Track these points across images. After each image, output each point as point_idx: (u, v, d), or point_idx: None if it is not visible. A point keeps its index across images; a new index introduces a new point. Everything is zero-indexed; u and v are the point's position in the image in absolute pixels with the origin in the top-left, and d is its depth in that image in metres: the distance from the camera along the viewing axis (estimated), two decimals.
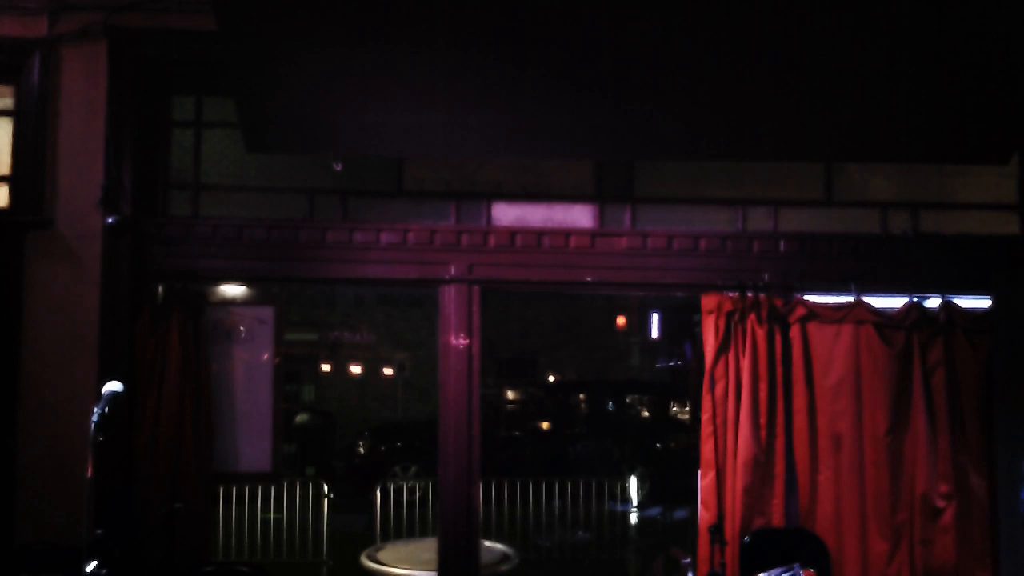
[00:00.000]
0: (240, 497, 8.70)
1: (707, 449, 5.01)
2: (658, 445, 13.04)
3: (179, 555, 4.75)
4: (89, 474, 3.47)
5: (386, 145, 4.83)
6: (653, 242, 5.24)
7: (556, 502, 10.15)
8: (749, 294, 5.05)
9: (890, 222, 5.45)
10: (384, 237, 5.17)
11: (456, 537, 5.06)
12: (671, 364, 19.61)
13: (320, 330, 20.19)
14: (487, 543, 6.24)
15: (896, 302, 5.18)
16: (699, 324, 5.21)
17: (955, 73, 4.38)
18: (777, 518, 4.95)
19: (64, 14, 4.94)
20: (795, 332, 5.08)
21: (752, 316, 5.03)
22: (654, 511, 10.72)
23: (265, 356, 5.29)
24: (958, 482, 5.00)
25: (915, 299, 5.16)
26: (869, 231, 5.41)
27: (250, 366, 5.26)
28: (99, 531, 3.75)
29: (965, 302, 5.16)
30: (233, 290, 5.43)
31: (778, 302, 5.10)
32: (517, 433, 15.09)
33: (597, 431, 14.14)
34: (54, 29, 4.94)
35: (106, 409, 3.46)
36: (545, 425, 13.53)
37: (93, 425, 3.40)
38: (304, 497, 9.16)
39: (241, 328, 5.25)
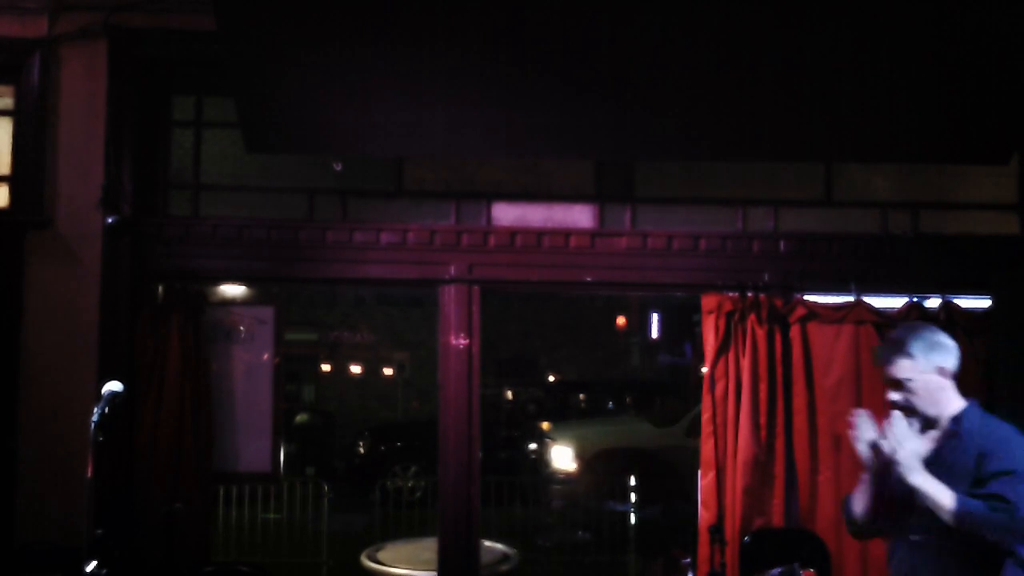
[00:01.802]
0: (240, 497, 8.70)
1: (707, 449, 5.01)
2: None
3: (179, 555, 4.75)
4: (89, 474, 3.47)
5: (386, 145, 4.83)
6: (653, 242, 5.24)
7: (556, 502, 10.15)
8: (749, 294, 5.05)
9: (890, 222, 5.44)
10: (384, 237, 5.17)
11: (456, 537, 5.07)
12: (673, 362, 19.59)
13: (320, 330, 20.17)
14: (487, 543, 6.24)
15: (896, 302, 5.18)
16: (699, 324, 5.21)
17: (955, 73, 4.38)
18: (777, 518, 4.95)
19: (64, 14, 4.94)
20: (795, 332, 5.08)
21: (752, 316, 5.03)
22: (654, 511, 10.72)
23: (265, 356, 5.28)
24: None
25: (915, 299, 5.16)
26: (869, 231, 5.41)
27: (250, 366, 5.26)
28: (99, 531, 3.75)
29: (965, 302, 5.16)
30: (233, 290, 5.43)
31: (778, 302, 5.10)
32: (517, 433, 15.09)
33: None
34: (54, 29, 4.94)
35: (106, 409, 3.46)
36: (545, 426, 13.52)
37: (93, 425, 3.39)
38: (304, 497, 9.16)
39: (241, 328, 5.25)
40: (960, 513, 2.95)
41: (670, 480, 10.37)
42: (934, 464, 3.11)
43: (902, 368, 3.16)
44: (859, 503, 3.30)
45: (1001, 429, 3.14)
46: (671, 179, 5.47)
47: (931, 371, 3.14)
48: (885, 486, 3.18)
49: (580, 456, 11.44)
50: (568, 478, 11.28)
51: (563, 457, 11.59)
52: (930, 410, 3.16)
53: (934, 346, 3.16)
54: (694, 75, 4.35)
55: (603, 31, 4.16)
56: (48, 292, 4.86)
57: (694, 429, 11.55)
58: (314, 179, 5.30)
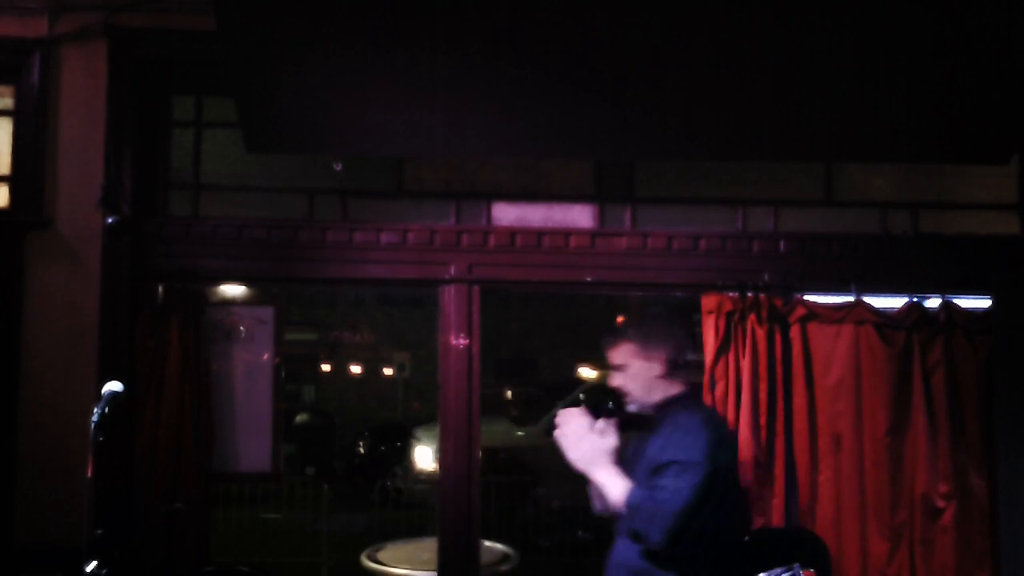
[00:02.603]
0: (240, 497, 8.71)
1: None
2: None
3: (179, 555, 4.75)
4: (89, 474, 3.47)
5: (386, 145, 4.82)
6: (653, 242, 5.24)
7: (556, 502, 10.15)
8: (749, 294, 5.05)
9: (890, 222, 5.44)
10: (384, 237, 5.17)
11: (456, 537, 5.06)
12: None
13: (320, 330, 20.18)
14: (487, 543, 6.24)
15: (896, 302, 5.18)
16: (699, 324, 5.21)
17: (955, 73, 4.38)
18: (777, 518, 4.95)
19: (64, 14, 4.93)
20: (795, 332, 5.08)
21: (752, 316, 5.03)
22: None
23: (265, 356, 5.29)
24: (958, 482, 5.00)
25: (915, 299, 5.15)
26: (869, 231, 5.41)
27: (250, 366, 5.26)
28: (99, 531, 3.75)
29: (965, 302, 5.16)
30: (233, 290, 5.43)
31: (778, 302, 5.09)
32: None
33: None
34: (54, 29, 4.94)
35: (106, 409, 3.46)
36: None
37: (93, 425, 3.39)
38: (304, 497, 9.17)
39: (241, 328, 5.25)
40: (628, 505, 3.04)
41: (522, 477, 10.78)
42: (643, 452, 3.21)
43: (620, 353, 3.29)
44: (597, 499, 3.39)
45: (690, 419, 3.22)
46: (671, 179, 5.46)
47: (647, 359, 3.23)
48: None
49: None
50: (429, 477, 11.52)
51: (424, 457, 12.01)
52: (645, 396, 3.28)
53: (654, 335, 3.27)
54: (694, 75, 4.35)
55: (603, 31, 4.15)
56: (48, 292, 4.85)
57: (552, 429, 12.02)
58: (314, 179, 5.30)
